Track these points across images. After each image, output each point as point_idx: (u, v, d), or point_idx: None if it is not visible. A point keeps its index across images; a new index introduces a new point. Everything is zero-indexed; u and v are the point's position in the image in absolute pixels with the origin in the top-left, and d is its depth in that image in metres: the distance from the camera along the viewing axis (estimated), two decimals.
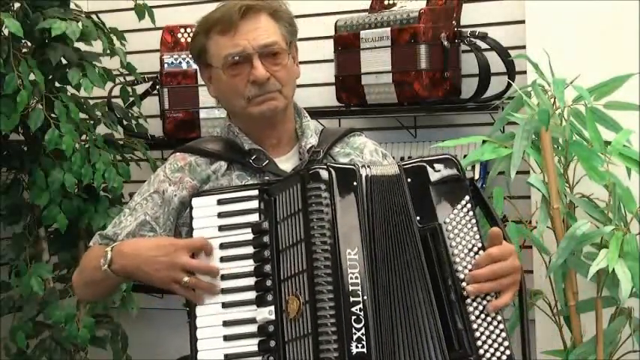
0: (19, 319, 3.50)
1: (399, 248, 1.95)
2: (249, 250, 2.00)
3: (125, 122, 3.66)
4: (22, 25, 3.19)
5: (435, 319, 1.91)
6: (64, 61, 3.39)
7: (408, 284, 1.93)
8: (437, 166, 2.02)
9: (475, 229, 1.97)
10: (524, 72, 3.18)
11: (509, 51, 3.24)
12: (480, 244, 1.96)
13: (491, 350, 1.91)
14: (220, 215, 2.03)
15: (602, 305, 2.87)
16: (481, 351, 1.90)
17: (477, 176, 3.24)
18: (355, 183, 1.96)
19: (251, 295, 1.97)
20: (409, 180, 1.99)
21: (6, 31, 3.25)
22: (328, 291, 1.87)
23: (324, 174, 1.95)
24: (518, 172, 2.81)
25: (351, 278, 1.88)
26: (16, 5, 3.38)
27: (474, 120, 3.36)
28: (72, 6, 3.49)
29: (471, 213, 1.98)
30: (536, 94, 2.89)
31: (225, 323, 1.97)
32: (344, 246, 1.90)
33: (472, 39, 3.26)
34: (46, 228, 3.53)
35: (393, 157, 3.36)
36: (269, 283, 1.96)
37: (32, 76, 3.25)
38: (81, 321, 3.42)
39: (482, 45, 3.27)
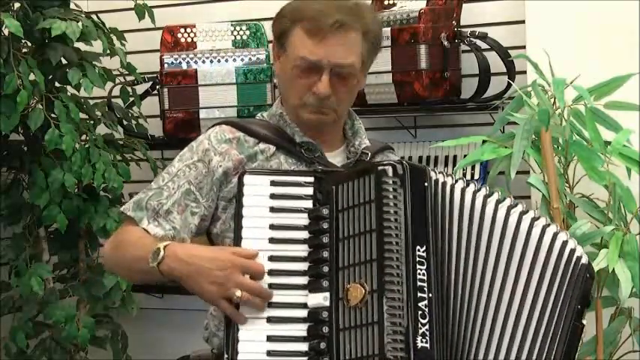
0: (19, 319, 3.50)
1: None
2: (302, 235, 1.99)
3: (125, 122, 3.66)
4: (22, 25, 3.19)
5: None
6: (64, 61, 3.39)
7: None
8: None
9: None
10: (524, 72, 3.18)
11: (509, 51, 3.25)
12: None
13: None
14: (273, 196, 2.01)
15: (602, 305, 2.87)
16: None
17: (477, 176, 3.25)
18: (426, 184, 1.97)
19: (301, 280, 1.96)
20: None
21: (6, 31, 3.26)
22: (397, 283, 1.88)
23: (399, 169, 1.95)
24: (518, 172, 2.81)
25: (419, 274, 1.89)
26: (16, 5, 3.38)
27: (474, 120, 3.36)
28: (72, 6, 3.50)
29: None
30: (536, 94, 2.89)
31: (271, 305, 1.94)
32: (414, 242, 1.91)
33: (472, 39, 3.26)
34: (46, 228, 3.53)
35: None
36: (325, 269, 1.95)
37: (32, 76, 3.25)
38: (81, 321, 3.42)
39: (483, 45, 3.27)
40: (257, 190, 2.02)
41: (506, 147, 2.87)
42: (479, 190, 2.01)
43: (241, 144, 2.17)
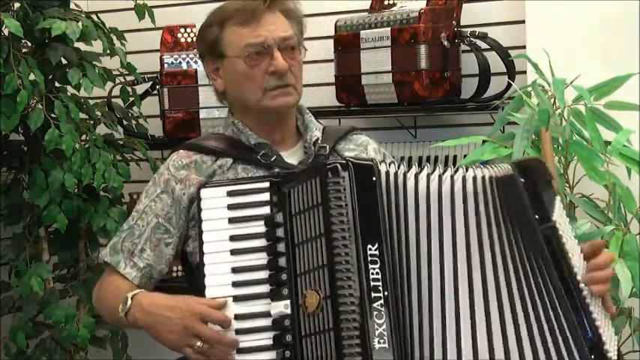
0: (19, 319, 3.50)
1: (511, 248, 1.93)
2: (262, 242, 2.00)
3: (125, 122, 3.66)
4: (22, 25, 3.19)
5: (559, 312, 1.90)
6: (64, 61, 3.39)
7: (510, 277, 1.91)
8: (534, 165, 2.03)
9: (570, 226, 1.98)
10: (524, 72, 3.19)
11: (509, 51, 3.25)
12: (578, 242, 1.98)
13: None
14: (230, 207, 2.03)
15: None
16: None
17: None
18: (374, 178, 1.94)
19: (264, 288, 1.97)
20: (522, 179, 1.96)
21: (6, 31, 3.25)
22: (350, 286, 1.86)
23: (344, 168, 1.94)
24: None
25: (372, 273, 1.87)
26: (16, 5, 3.37)
27: (474, 120, 3.36)
28: (72, 6, 3.49)
29: (564, 212, 1.98)
30: (536, 94, 2.89)
31: (237, 317, 1.96)
32: (365, 241, 1.89)
33: (472, 39, 3.26)
34: (46, 228, 3.52)
35: (393, 157, 3.40)
36: (284, 276, 1.95)
37: (32, 76, 3.25)
38: (81, 321, 3.41)
39: (483, 45, 3.27)
40: (215, 202, 2.04)
41: (506, 147, 2.87)
42: (432, 172, 1.96)
43: (199, 166, 2.21)
